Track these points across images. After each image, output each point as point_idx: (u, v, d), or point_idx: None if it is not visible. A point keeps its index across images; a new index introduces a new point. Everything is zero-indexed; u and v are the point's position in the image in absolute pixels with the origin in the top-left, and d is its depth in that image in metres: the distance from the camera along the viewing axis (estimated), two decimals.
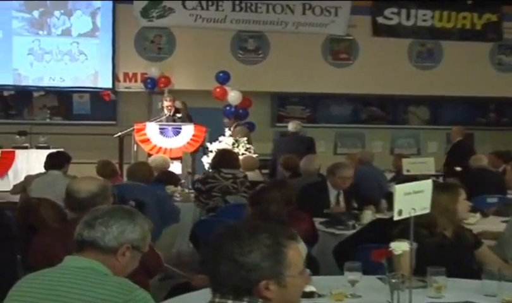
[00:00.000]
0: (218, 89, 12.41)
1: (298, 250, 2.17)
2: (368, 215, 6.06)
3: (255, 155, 10.86)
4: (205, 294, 2.24)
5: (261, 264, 2.08)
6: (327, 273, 4.29)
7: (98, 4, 13.30)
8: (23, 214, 6.11)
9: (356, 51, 14.46)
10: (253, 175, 8.63)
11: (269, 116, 14.93)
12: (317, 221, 5.75)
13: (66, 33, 13.22)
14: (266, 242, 2.11)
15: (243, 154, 10.64)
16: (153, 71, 13.23)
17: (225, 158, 7.48)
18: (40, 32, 13.13)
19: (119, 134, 11.79)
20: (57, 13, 13.16)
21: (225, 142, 11.19)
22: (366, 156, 9.70)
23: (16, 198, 8.17)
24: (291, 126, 11.64)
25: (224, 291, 2.10)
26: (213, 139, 11.35)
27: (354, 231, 5.40)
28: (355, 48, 14.46)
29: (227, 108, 12.31)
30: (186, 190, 8.71)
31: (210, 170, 7.74)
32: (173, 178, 8.78)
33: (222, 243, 2.13)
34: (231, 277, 2.08)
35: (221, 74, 12.44)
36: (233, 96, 12.27)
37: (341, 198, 6.69)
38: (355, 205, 6.60)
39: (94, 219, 2.72)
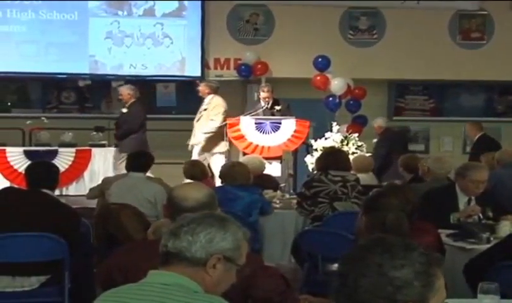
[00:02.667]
0: (318, 77, 12.39)
1: (442, 279, 2.16)
2: (507, 226, 5.92)
3: (368, 154, 10.78)
4: None
5: (413, 282, 2.06)
6: (457, 296, 4.21)
7: None
8: (102, 222, 6.27)
9: (491, 29, 14.13)
10: (366, 178, 8.58)
11: (385, 108, 14.78)
12: (443, 233, 5.67)
13: (149, 13, 13.52)
14: (420, 259, 2.10)
15: (353, 153, 10.59)
16: (249, 56, 13.36)
17: (333, 158, 7.45)
18: (120, 13, 13.48)
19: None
20: None
21: (332, 139, 11.16)
22: (506, 156, 9.42)
23: (93, 203, 8.39)
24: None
25: None
26: (319, 135, 11.36)
27: (489, 245, 5.29)
28: (490, 25, 14.13)
29: (331, 99, 12.25)
30: (287, 196, 8.72)
31: (316, 172, 7.74)
32: (271, 182, 8.84)
33: (368, 254, 2.12)
34: (374, 293, 2.06)
35: (320, 59, 12.42)
36: (337, 85, 12.17)
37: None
38: (490, 214, 6.45)
39: (180, 227, 2.74)
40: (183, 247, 2.69)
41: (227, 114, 11.36)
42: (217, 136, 11.19)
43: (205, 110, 11.37)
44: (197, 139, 11.27)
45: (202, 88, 11.55)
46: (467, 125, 12.42)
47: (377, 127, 12.55)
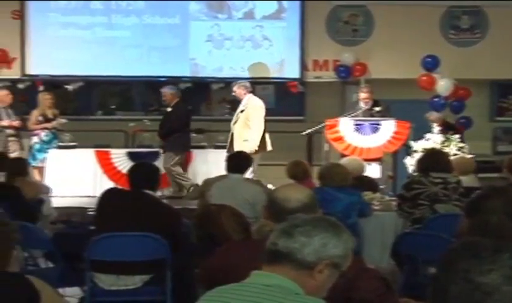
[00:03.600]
0: (425, 77, 12.25)
1: None
2: None
3: (469, 156, 10.61)
4: None
5: (501, 287, 2.01)
6: None
7: None
8: (202, 223, 6.33)
9: None
10: (467, 180, 8.41)
11: (487, 109, 14.46)
12: None
13: (249, 16, 13.65)
14: (510, 262, 2.04)
15: (455, 154, 10.43)
16: (348, 57, 13.31)
17: (434, 160, 7.35)
18: (220, 16, 13.64)
19: (308, 131, 11.94)
20: None
21: (433, 140, 11.03)
22: None
23: (193, 204, 8.50)
24: None
25: None
26: (418, 136, 11.24)
27: None
28: None
29: (436, 99, 12.10)
30: (387, 198, 8.68)
31: (416, 174, 7.67)
32: (371, 184, 8.78)
33: (456, 260, 2.09)
34: (463, 299, 2.04)
35: (429, 59, 12.29)
36: (443, 86, 12.05)
37: None
38: None
39: (293, 227, 2.70)
40: (295, 248, 2.65)
41: (327, 115, 11.34)
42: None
43: (242, 111, 11.24)
44: (250, 147, 10.96)
45: (237, 89, 11.37)
46: None
47: (433, 118, 12.15)
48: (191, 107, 12.56)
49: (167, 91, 11.95)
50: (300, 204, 3.68)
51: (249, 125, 11.05)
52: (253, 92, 11.45)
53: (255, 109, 11.18)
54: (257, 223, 5.67)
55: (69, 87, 13.67)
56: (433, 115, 11.95)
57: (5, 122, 11.77)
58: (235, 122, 11.28)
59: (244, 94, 11.30)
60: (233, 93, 11.50)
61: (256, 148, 10.94)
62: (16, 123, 11.88)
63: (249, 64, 13.56)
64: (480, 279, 2.01)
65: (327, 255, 2.67)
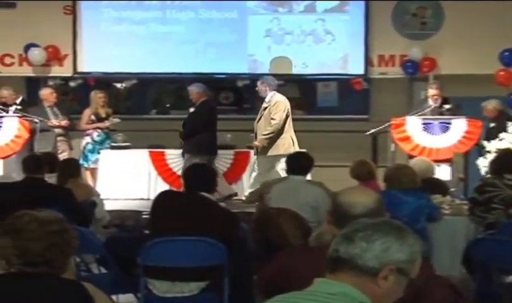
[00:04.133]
0: (503, 73, 12.15)
1: None
2: None
3: None
4: None
5: None
6: None
7: None
8: (261, 227, 6.34)
9: None
10: None
11: None
12: None
13: (310, 9, 13.67)
14: None
15: None
16: (415, 52, 13.25)
17: (509, 161, 7.28)
18: (280, 9, 13.69)
19: (373, 130, 11.92)
20: None
21: (508, 140, 10.91)
22: None
23: (251, 207, 8.51)
24: None
25: None
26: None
27: None
28: None
29: None
30: (458, 201, 8.57)
31: (489, 176, 7.59)
32: (440, 186, 8.70)
33: None
34: None
35: (506, 53, 12.22)
36: None
37: None
38: None
39: (354, 232, 2.70)
40: (356, 254, 2.65)
41: (393, 114, 11.28)
42: (278, 136, 11.06)
43: (265, 109, 11.20)
44: (260, 141, 11.09)
45: (260, 86, 11.31)
46: None
47: (491, 108, 11.94)
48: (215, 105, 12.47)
49: (193, 89, 11.91)
50: (366, 209, 3.66)
51: (271, 123, 11.06)
52: (275, 89, 11.37)
53: (278, 105, 11.11)
54: (318, 228, 5.67)
55: (122, 85, 13.83)
56: (491, 103, 11.80)
57: (53, 122, 11.95)
58: (258, 120, 11.32)
59: (268, 90, 11.27)
60: (256, 89, 11.52)
61: (265, 144, 11.01)
62: (64, 122, 12.05)
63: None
64: None
65: (390, 260, 2.65)
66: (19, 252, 3.40)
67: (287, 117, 11.12)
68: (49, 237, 3.43)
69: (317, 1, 13.62)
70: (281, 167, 10.21)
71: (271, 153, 11.10)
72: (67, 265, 3.58)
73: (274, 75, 13.46)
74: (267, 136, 11.02)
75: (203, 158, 11.17)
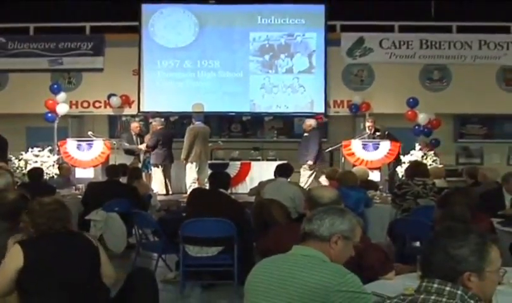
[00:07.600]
0: (409, 112, 12.16)
1: (497, 252, 2.12)
2: None
3: (440, 166, 10.54)
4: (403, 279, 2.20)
5: (468, 258, 2.04)
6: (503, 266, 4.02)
7: (313, 47, 13.52)
8: (258, 213, 6.37)
9: None
10: (439, 182, 8.34)
11: (452, 133, 14.25)
12: (494, 221, 5.44)
13: (289, 71, 13.59)
14: (475, 240, 2.07)
15: (430, 165, 10.36)
16: (357, 99, 13.18)
17: (416, 168, 7.31)
18: (270, 71, 13.61)
19: (330, 148, 11.93)
20: (282, 56, 13.58)
21: (415, 155, 10.97)
22: None
23: (252, 199, 8.52)
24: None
25: (432, 276, 2.08)
26: (406, 152, 11.14)
27: None
28: None
29: (416, 127, 12.03)
30: (384, 194, 8.62)
31: (404, 178, 7.61)
32: (373, 185, 8.73)
33: (438, 238, 2.12)
34: (441, 266, 2.05)
35: (411, 100, 12.27)
36: (422, 118, 12.00)
37: None
38: None
39: (313, 215, 2.77)
40: (314, 229, 2.70)
41: (343, 138, 11.28)
42: None
43: None
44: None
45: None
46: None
47: (307, 125, 11.72)
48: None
49: (154, 123, 12.08)
50: (330, 200, 3.70)
51: None
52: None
53: None
54: (295, 212, 5.66)
55: (170, 119, 13.79)
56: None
57: (141, 147, 11.90)
58: None
59: None
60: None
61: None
62: (142, 146, 11.98)
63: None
64: (453, 252, 2.04)
65: (336, 230, 2.70)
66: (32, 223, 3.50)
67: None
68: (48, 213, 3.47)
69: (294, 66, 13.59)
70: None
71: None
72: (70, 222, 3.62)
73: (266, 113, 13.53)
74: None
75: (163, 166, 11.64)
